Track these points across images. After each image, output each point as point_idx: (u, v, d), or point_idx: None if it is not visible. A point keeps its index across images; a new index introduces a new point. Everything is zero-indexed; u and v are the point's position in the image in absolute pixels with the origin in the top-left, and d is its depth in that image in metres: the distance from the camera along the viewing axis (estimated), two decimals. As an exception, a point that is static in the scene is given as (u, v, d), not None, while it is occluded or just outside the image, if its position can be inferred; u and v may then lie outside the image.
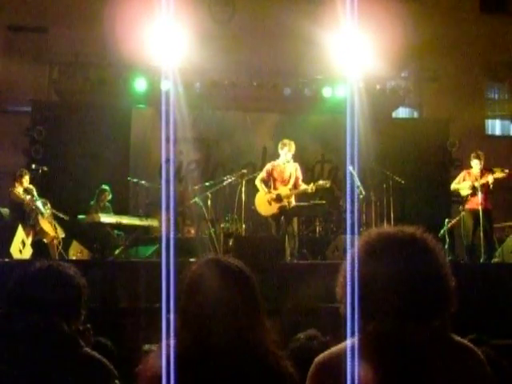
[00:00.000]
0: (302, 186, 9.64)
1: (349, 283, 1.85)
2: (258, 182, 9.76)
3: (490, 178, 9.60)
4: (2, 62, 15.08)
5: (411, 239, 1.92)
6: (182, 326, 2.05)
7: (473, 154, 9.99)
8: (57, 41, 14.94)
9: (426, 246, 1.92)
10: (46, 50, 15.26)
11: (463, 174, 10.14)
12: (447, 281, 1.90)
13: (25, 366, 2.22)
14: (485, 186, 9.68)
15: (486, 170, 9.86)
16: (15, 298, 2.39)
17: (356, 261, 1.88)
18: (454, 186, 10.29)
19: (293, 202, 9.60)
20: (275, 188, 9.61)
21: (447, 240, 10.50)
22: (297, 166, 9.78)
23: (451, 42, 16.02)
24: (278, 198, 9.49)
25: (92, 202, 10.89)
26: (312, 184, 9.64)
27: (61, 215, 10.40)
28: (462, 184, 10.02)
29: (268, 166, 9.85)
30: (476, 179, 9.76)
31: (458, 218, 10.54)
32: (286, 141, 9.76)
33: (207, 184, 11.65)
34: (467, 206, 9.97)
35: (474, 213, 9.75)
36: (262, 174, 9.78)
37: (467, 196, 9.92)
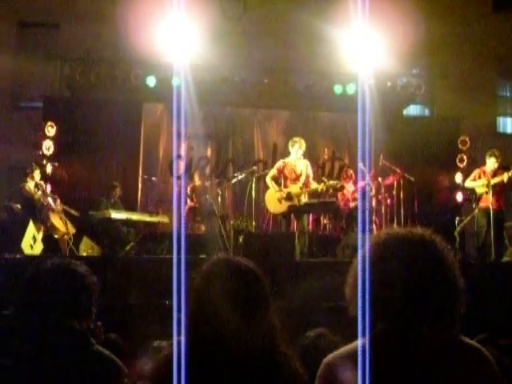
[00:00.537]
0: (313, 185, 9.64)
1: (360, 284, 1.85)
2: (268, 180, 9.77)
3: (505, 177, 9.52)
4: (14, 59, 15.13)
5: (420, 241, 1.92)
6: (192, 325, 2.05)
7: (489, 152, 9.90)
8: (68, 37, 14.98)
9: (434, 247, 1.92)
10: (58, 46, 15.31)
11: (478, 171, 10.04)
12: (456, 282, 1.90)
13: (36, 364, 2.24)
14: (499, 185, 9.61)
15: (501, 168, 9.79)
16: (27, 297, 2.41)
17: (366, 262, 1.88)
18: (468, 183, 10.20)
19: (303, 200, 9.59)
20: (286, 186, 9.60)
21: (457, 239, 10.44)
22: (307, 163, 9.78)
23: (463, 39, 15.94)
24: (289, 197, 9.48)
25: (103, 198, 10.93)
26: (323, 184, 9.64)
27: (71, 211, 10.45)
28: (477, 182, 9.94)
29: (279, 164, 9.85)
30: (491, 177, 9.68)
31: (471, 217, 10.45)
32: (296, 138, 9.78)
33: (217, 180, 11.67)
34: (481, 205, 9.84)
35: (488, 211, 9.64)
36: (273, 172, 9.78)
37: (482, 194, 9.83)
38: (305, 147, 9.68)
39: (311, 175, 9.80)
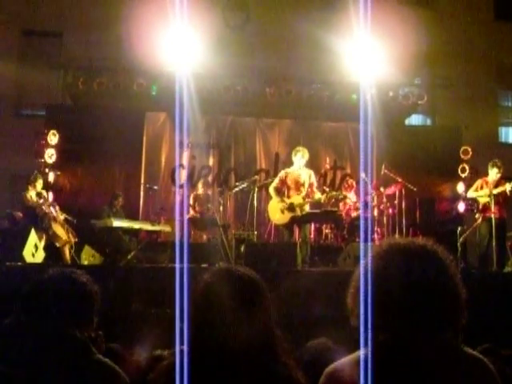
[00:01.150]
0: (316, 195, 9.58)
1: (362, 295, 1.85)
2: (271, 190, 9.70)
3: (507, 187, 9.54)
4: (17, 67, 15.18)
5: (422, 251, 1.92)
6: (194, 334, 2.04)
7: (491, 163, 9.93)
8: (71, 45, 15.03)
9: (436, 258, 1.92)
10: (61, 55, 15.37)
11: (480, 181, 10.07)
12: (458, 292, 1.90)
13: (37, 373, 2.23)
14: (501, 195, 9.64)
15: (503, 178, 9.81)
16: (28, 306, 2.41)
17: (368, 272, 1.88)
18: (471, 193, 10.22)
19: (305, 210, 9.54)
20: (288, 196, 9.52)
21: (459, 249, 10.42)
22: (311, 172, 9.71)
23: (464, 49, 15.98)
24: (291, 208, 9.41)
25: (105, 207, 10.94)
26: (325, 195, 9.62)
27: (71, 219, 10.43)
28: (479, 192, 9.96)
29: (281, 174, 9.79)
30: (493, 187, 9.70)
31: (474, 226, 10.43)
32: (299, 148, 9.75)
33: (219, 190, 11.67)
34: (484, 215, 9.87)
35: (490, 221, 9.65)
36: (276, 182, 9.70)
37: (484, 204, 9.84)
38: (308, 156, 9.64)
39: (315, 184, 9.74)
